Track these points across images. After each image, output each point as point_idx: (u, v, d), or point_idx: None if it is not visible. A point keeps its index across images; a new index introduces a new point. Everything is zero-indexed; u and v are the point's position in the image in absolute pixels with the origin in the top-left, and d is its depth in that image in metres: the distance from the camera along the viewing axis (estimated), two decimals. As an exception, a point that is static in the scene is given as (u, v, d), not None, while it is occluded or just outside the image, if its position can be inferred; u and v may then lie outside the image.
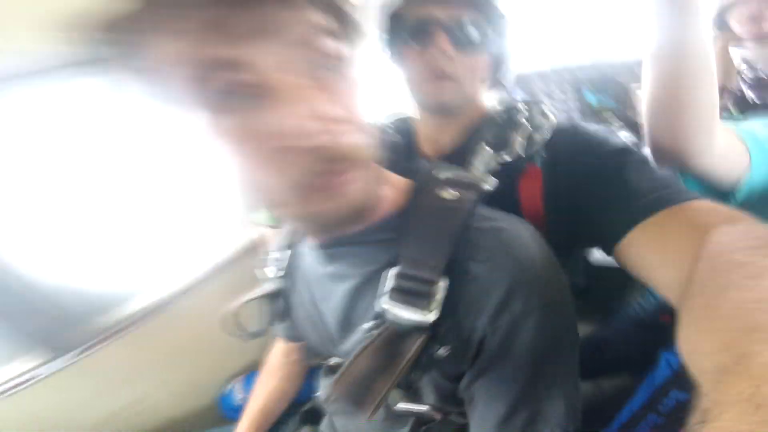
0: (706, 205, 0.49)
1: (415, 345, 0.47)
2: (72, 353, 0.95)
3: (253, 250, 1.24)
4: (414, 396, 0.55)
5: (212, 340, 1.19)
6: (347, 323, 0.58)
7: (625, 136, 1.77)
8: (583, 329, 0.53)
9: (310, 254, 0.62)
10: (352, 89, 0.43)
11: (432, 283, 0.47)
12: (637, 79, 1.96)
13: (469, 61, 0.70)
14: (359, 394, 0.47)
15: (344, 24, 0.43)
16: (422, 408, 0.55)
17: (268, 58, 0.36)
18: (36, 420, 0.94)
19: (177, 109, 0.38)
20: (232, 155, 0.39)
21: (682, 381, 0.74)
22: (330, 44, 0.39)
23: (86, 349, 0.97)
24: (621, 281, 1.20)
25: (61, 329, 0.94)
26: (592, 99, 2.12)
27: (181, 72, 0.35)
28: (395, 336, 0.48)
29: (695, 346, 0.33)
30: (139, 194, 1.09)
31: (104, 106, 0.91)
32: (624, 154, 0.59)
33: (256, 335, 0.69)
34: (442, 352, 0.48)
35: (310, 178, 0.40)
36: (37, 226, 0.93)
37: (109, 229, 1.05)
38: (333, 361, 0.67)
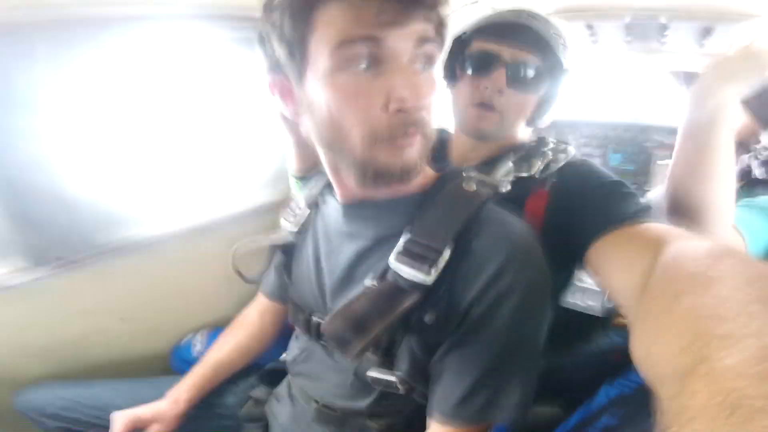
0: (664, 226, 0.57)
1: (410, 300, 0.53)
2: (47, 267, 0.94)
3: (256, 214, 1.25)
4: (388, 364, 0.60)
5: (185, 289, 1.21)
6: (348, 280, 0.64)
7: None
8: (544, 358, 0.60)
9: (333, 212, 0.68)
10: (434, 83, 0.53)
11: (437, 251, 0.53)
12: (663, 146, 1.98)
13: (517, 98, 0.77)
14: (351, 332, 0.53)
15: (440, 35, 0.53)
16: (391, 378, 0.60)
17: (395, 42, 0.48)
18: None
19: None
20: (340, 102, 0.50)
21: (614, 409, 0.79)
22: (429, 47, 0.51)
23: (62, 266, 0.96)
24: (588, 321, 1.28)
25: (46, 240, 0.93)
26: (614, 158, 2.14)
27: (334, 39, 0.47)
28: (394, 290, 0.54)
29: (651, 350, 0.34)
30: (185, 133, 1.17)
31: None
32: (613, 185, 0.69)
33: (251, 281, 0.73)
34: (429, 318, 0.55)
35: (390, 133, 0.51)
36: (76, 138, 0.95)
37: (142, 155, 1.09)
38: (315, 319, 0.70)
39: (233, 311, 1.28)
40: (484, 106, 0.77)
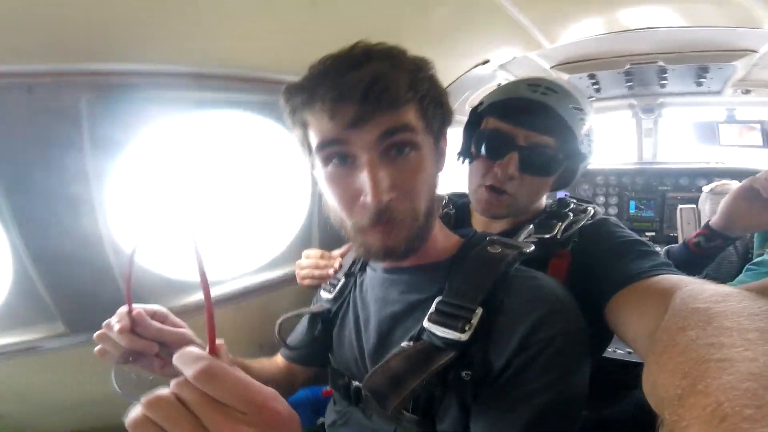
0: (678, 276, 0.58)
1: (445, 358, 0.53)
2: (86, 334, 0.94)
3: (281, 285, 1.26)
4: (428, 425, 0.58)
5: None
6: (386, 343, 0.64)
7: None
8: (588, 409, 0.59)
9: (369, 281, 0.71)
10: (411, 167, 0.56)
11: (470, 310, 0.54)
12: (677, 188, 1.99)
13: (531, 182, 0.77)
14: (388, 387, 0.53)
15: (433, 120, 0.58)
16: None
17: (359, 140, 0.53)
18: (23, 388, 0.94)
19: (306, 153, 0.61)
20: (330, 193, 0.58)
21: None
22: (400, 137, 0.54)
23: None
24: (630, 370, 1.22)
25: (86, 308, 0.94)
26: (631, 205, 2.15)
27: (316, 140, 0.56)
28: (430, 349, 0.55)
29: (656, 379, 0.36)
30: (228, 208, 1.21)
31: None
32: (632, 244, 0.70)
33: (292, 348, 0.75)
34: (466, 374, 0.54)
35: (364, 223, 0.55)
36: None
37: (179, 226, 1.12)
38: (355, 384, 0.69)
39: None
40: (496, 190, 0.76)
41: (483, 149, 0.77)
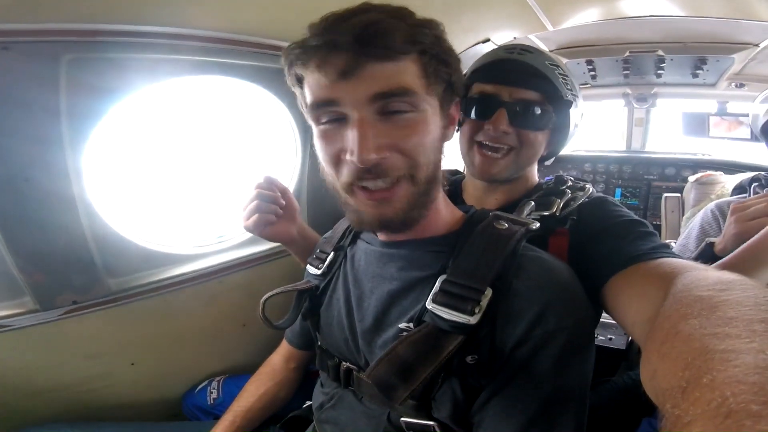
0: (678, 260, 0.57)
1: (454, 342, 0.50)
2: (58, 311, 0.90)
3: (269, 259, 1.23)
4: (426, 409, 0.56)
5: (198, 335, 1.16)
6: (381, 323, 0.61)
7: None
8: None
9: (362, 255, 0.68)
10: (415, 128, 0.53)
11: (479, 291, 0.51)
12: (662, 177, 2.00)
13: (524, 136, 0.76)
14: (398, 377, 0.51)
15: (437, 80, 0.54)
16: (428, 422, 0.56)
17: (349, 98, 0.50)
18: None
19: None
20: (321, 152, 0.56)
21: None
22: (394, 103, 0.51)
23: (72, 310, 0.92)
24: (610, 357, 1.27)
25: (58, 283, 0.90)
26: (617, 193, 2.17)
27: (308, 101, 0.54)
28: (436, 333, 0.52)
29: (657, 368, 0.35)
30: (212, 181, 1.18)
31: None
32: (631, 224, 0.69)
33: (278, 327, 0.70)
34: (471, 359, 0.52)
35: (349, 178, 0.53)
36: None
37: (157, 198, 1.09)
38: (346, 365, 0.67)
39: (247, 358, 1.24)
40: (490, 147, 0.77)
41: (472, 113, 0.78)
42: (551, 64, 0.77)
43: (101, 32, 0.73)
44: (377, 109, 0.50)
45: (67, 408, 0.98)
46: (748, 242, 0.74)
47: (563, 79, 0.77)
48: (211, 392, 1.09)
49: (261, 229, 0.86)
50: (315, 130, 0.56)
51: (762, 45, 1.24)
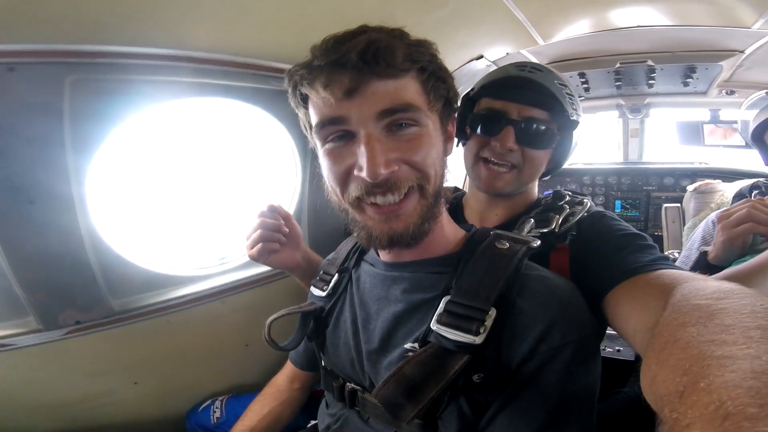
0: (678, 271, 0.58)
1: (460, 362, 0.50)
2: (61, 330, 0.90)
3: (273, 280, 1.23)
4: (432, 428, 0.56)
5: (201, 354, 1.15)
6: (386, 344, 0.62)
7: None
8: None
9: (367, 277, 0.68)
10: (420, 142, 0.54)
11: (483, 311, 0.52)
12: (661, 188, 2.00)
13: (529, 154, 0.78)
14: (405, 397, 0.51)
15: (436, 97, 0.56)
16: None
17: (356, 115, 0.52)
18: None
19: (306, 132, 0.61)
20: (327, 171, 0.57)
21: None
22: (399, 116, 0.53)
23: (76, 329, 0.92)
24: (618, 368, 1.26)
25: (62, 303, 0.90)
26: (617, 205, 2.18)
27: (314, 121, 0.55)
28: (441, 353, 0.52)
29: (656, 375, 0.35)
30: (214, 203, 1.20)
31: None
32: (630, 237, 0.69)
33: (283, 349, 0.70)
34: (477, 378, 0.52)
35: (358, 192, 0.54)
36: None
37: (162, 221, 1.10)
38: (351, 386, 0.68)
39: (249, 378, 1.23)
40: (496, 163, 0.78)
41: (479, 129, 0.79)
42: (560, 84, 0.78)
43: (104, 54, 0.75)
44: (384, 125, 0.52)
45: (70, 426, 0.97)
46: (759, 256, 0.73)
47: (570, 98, 0.79)
48: (215, 411, 1.08)
49: (265, 257, 0.86)
50: (321, 149, 0.57)
51: (747, 51, 1.26)
